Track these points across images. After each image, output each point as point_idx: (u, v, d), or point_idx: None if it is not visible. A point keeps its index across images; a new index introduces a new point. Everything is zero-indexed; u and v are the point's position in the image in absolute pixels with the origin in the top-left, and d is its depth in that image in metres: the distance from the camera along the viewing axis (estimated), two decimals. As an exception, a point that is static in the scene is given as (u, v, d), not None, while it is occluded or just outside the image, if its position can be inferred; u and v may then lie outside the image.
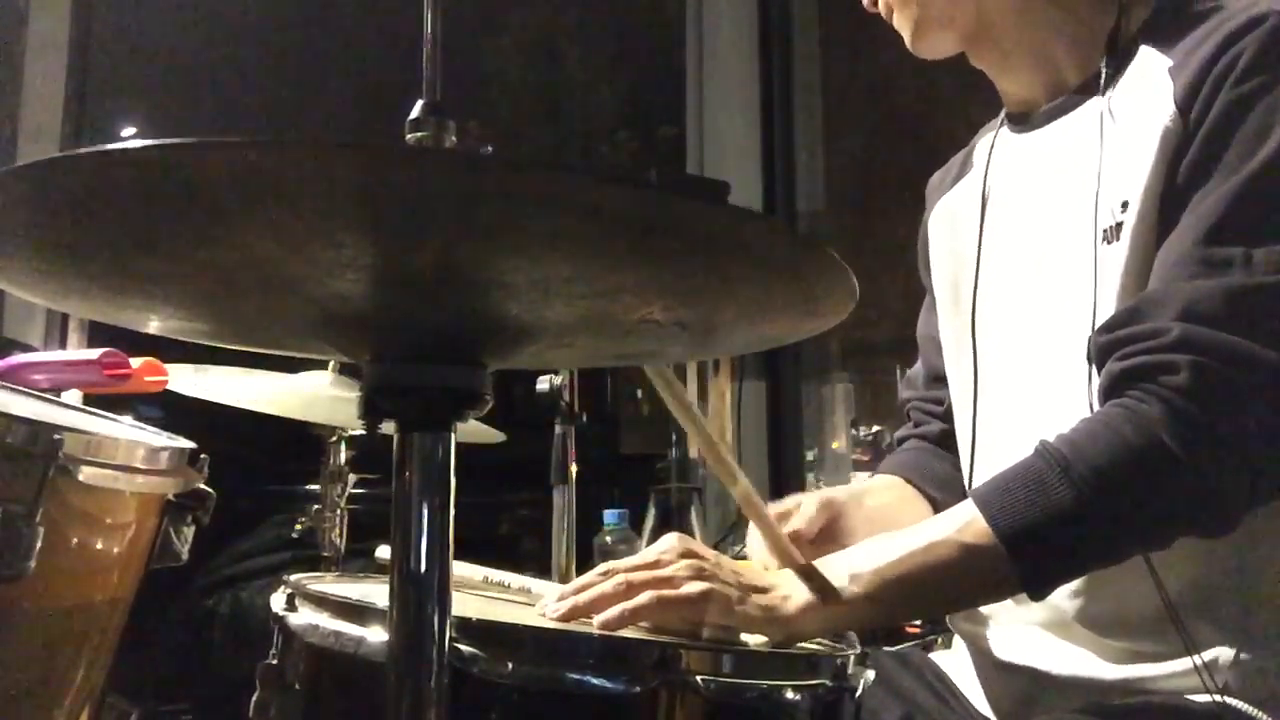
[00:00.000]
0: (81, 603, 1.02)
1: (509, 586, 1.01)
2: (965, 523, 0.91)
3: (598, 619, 0.84)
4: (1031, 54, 1.14)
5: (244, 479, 2.65)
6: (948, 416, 1.27)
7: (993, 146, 1.22)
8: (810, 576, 0.91)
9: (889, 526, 1.01)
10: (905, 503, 1.24)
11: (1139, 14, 1.08)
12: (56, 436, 0.91)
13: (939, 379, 1.31)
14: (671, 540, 0.93)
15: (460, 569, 1.00)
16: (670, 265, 0.59)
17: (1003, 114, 1.24)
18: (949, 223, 1.27)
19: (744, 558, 1.08)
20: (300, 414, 1.73)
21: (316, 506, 1.91)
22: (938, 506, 1.22)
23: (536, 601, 0.93)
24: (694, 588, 0.86)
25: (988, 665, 1.15)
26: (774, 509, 1.09)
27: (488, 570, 1.02)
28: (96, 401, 1.32)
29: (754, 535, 1.06)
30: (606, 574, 0.88)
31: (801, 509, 1.13)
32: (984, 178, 1.21)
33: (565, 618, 0.86)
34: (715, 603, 0.85)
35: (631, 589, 0.85)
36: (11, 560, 0.88)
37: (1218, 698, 0.93)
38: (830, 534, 1.12)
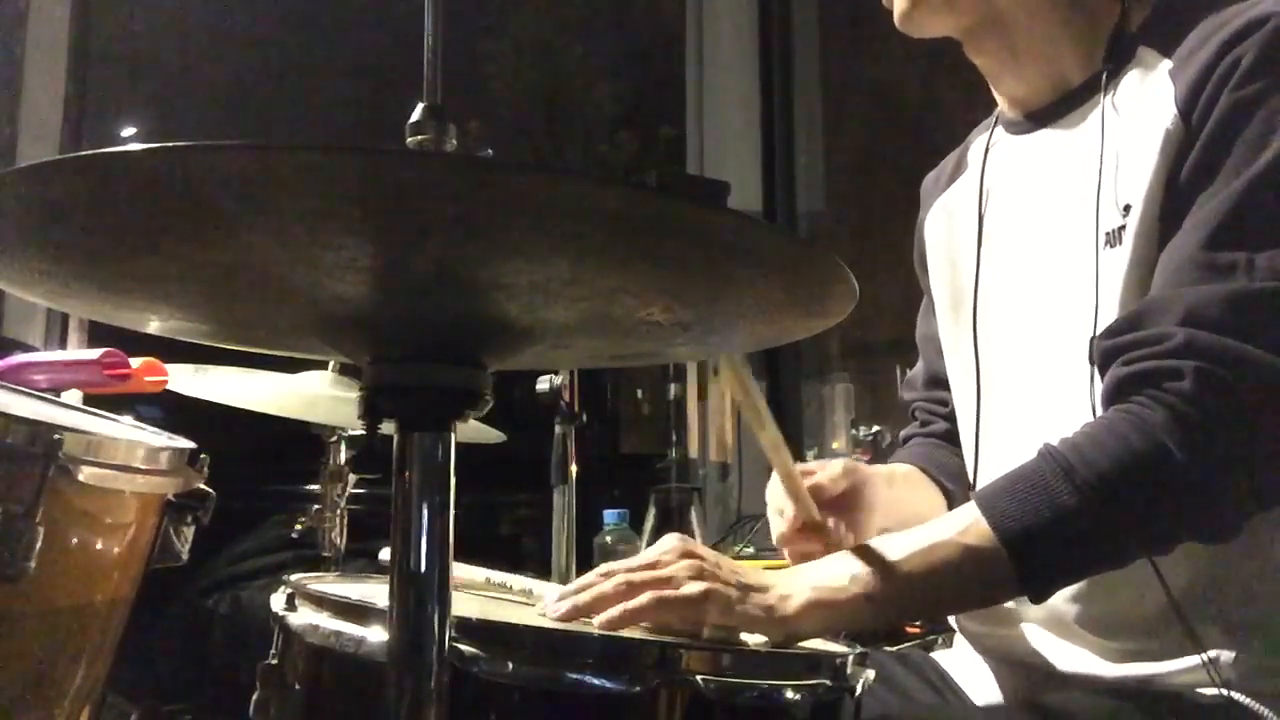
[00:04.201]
0: (81, 603, 1.02)
1: (510, 588, 1.01)
2: (967, 525, 0.91)
3: (598, 619, 0.85)
4: (1038, 50, 1.11)
5: (244, 479, 2.64)
6: (952, 416, 1.27)
7: (988, 148, 1.21)
8: (810, 575, 0.92)
9: (909, 510, 1.01)
10: (924, 491, 1.25)
11: (1139, 13, 1.07)
12: (56, 436, 0.91)
13: (940, 381, 1.31)
14: (671, 541, 0.93)
15: (462, 571, 1.00)
16: (670, 266, 0.59)
17: (996, 114, 1.23)
18: (946, 225, 1.27)
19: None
20: (300, 414, 1.73)
21: (316, 506, 1.90)
22: (951, 498, 1.23)
23: (537, 602, 0.93)
24: (694, 588, 0.86)
25: (991, 663, 1.15)
26: (800, 468, 1.10)
27: (489, 572, 1.02)
28: (96, 401, 1.32)
29: (774, 484, 1.09)
30: (606, 574, 0.89)
31: (828, 467, 1.14)
32: (980, 179, 1.20)
33: (565, 617, 0.86)
34: (715, 603, 0.85)
35: (631, 589, 0.86)
36: (11, 560, 0.88)
37: (1224, 691, 0.93)
38: (852, 501, 1.12)
